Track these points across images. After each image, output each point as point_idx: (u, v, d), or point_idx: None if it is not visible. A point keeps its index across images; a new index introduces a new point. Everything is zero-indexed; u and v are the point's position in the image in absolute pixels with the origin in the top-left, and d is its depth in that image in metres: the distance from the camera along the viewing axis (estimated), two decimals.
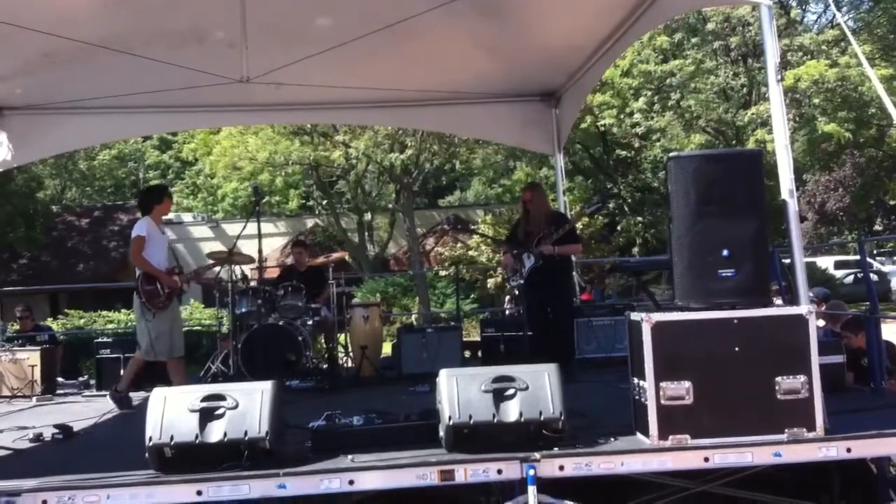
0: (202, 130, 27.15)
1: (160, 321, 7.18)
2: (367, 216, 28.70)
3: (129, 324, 16.55)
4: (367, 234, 28.63)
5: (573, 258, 8.78)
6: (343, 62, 8.01)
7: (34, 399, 8.30)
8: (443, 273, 24.55)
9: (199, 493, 4.21)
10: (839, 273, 26.29)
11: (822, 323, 7.88)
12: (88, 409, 7.51)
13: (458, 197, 36.69)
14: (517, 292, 8.04)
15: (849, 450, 4.48)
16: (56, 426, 6.03)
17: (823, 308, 8.57)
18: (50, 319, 18.23)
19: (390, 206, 28.82)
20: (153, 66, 7.79)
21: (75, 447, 5.78)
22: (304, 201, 33.51)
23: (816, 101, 21.65)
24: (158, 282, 7.19)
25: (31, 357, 8.57)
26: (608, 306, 9.81)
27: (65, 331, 15.60)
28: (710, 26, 23.31)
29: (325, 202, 28.86)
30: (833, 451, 4.49)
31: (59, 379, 9.28)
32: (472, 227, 23.45)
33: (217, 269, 8.43)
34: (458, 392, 4.60)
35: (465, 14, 7.27)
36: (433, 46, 8.20)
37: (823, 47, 22.70)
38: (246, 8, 6.89)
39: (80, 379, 9.82)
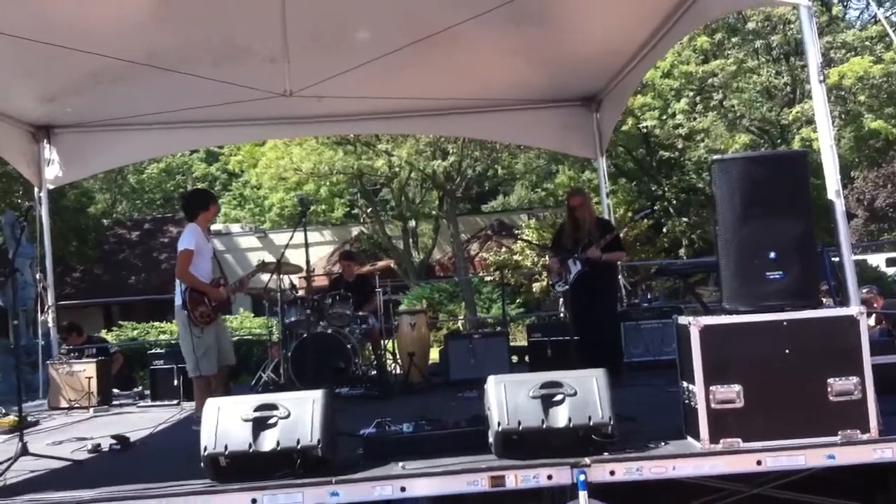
0: (248, 142, 27.47)
1: (207, 336, 6.94)
2: (412, 223, 28.81)
3: None
4: (411, 241, 28.73)
5: (618, 264, 8.76)
6: (384, 73, 8.08)
7: (91, 410, 8.46)
8: (488, 278, 24.55)
9: (253, 501, 4.27)
10: (890, 270, 25.78)
11: (872, 322, 7.76)
12: (144, 419, 7.65)
13: (502, 202, 36.67)
14: (563, 298, 8.04)
15: None
16: (113, 437, 6.16)
17: (882, 303, 8.45)
18: (104, 332, 18.58)
19: (434, 212, 28.89)
20: (198, 83, 7.96)
21: (132, 457, 5.89)
22: (348, 210, 33.72)
23: (862, 97, 21.34)
24: (206, 296, 6.97)
25: (88, 369, 8.73)
26: (655, 309, 9.75)
27: (119, 343, 15.88)
28: (750, 25, 23.09)
29: (369, 210, 29.05)
30: (888, 452, 4.42)
31: (115, 390, 9.47)
32: (516, 232, 23.42)
33: (265, 277, 8.42)
34: (507, 398, 4.62)
35: (504, 22, 7.30)
36: (472, 55, 8.25)
37: (867, 43, 22.38)
38: (286, 23, 6.99)
39: (135, 390, 10.02)
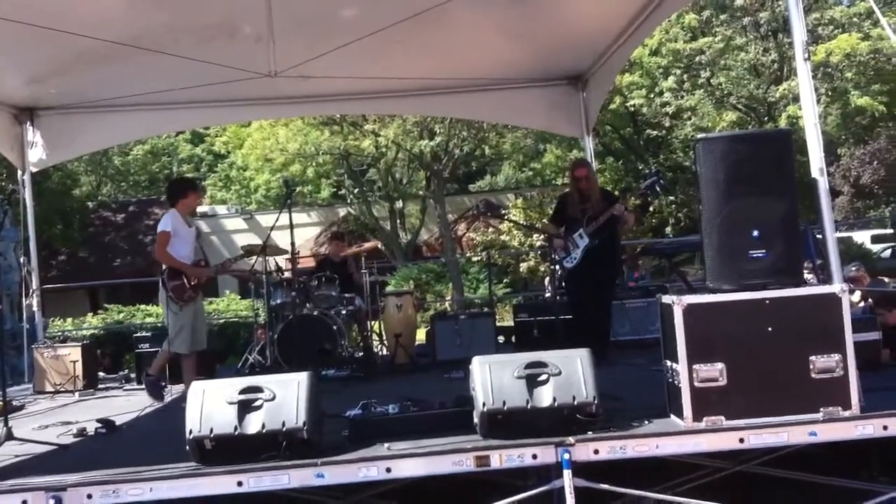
0: (233, 124, 27.29)
1: (184, 314, 7.30)
2: (399, 204, 28.70)
3: None
4: (398, 221, 28.64)
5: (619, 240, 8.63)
6: (369, 53, 8.05)
7: (76, 394, 8.46)
8: (475, 258, 24.53)
9: (239, 483, 4.29)
10: (876, 247, 25.88)
11: (856, 298, 7.79)
12: (130, 402, 7.64)
13: (489, 182, 36.56)
14: (556, 274, 7.95)
15: (885, 427, 4.44)
16: (99, 420, 6.15)
17: (868, 282, 8.47)
18: (90, 315, 18.51)
19: (421, 193, 28.81)
20: (183, 64, 7.90)
21: (118, 441, 5.88)
22: (335, 190, 33.57)
23: (849, 74, 21.39)
24: (184, 275, 7.32)
25: (73, 353, 8.72)
26: (641, 288, 9.77)
27: (105, 325, 15.85)
28: (738, 2, 23.04)
29: (356, 191, 28.93)
30: (869, 429, 4.46)
31: (101, 374, 9.45)
32: (504, 212, 23.40)
33: (249, 260, 8.50)
34: (492, 378, 4.64)
35: (490, 0, 7.26)
36: (458, 34, 8.21)
37: (855, 20, 22.38)
38: (272, 2, 6.94)
39: (121, 373, 10.00)
